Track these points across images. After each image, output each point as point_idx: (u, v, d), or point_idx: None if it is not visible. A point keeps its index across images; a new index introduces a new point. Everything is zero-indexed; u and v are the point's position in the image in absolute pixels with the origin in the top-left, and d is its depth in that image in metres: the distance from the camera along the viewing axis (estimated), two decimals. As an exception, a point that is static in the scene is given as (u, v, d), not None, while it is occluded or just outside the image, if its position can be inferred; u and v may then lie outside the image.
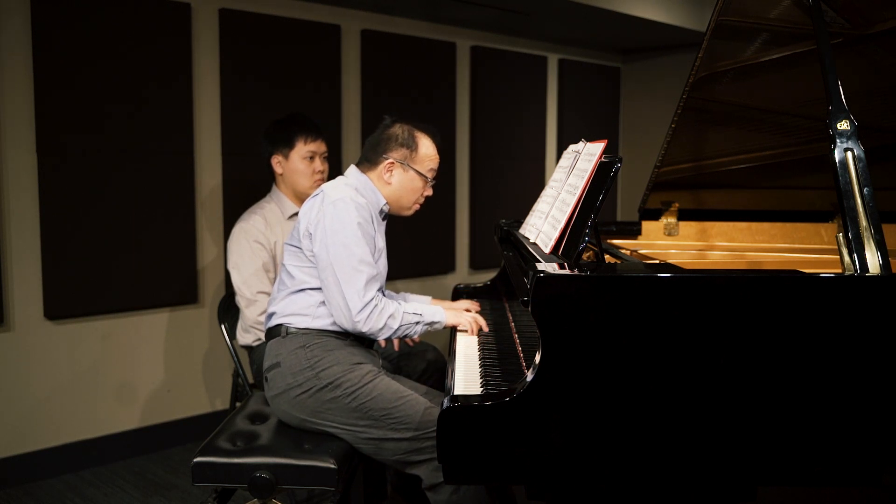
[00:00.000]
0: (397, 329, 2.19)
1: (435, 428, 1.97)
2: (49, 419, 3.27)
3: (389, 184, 2.32)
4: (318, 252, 2.17)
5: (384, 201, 2.34)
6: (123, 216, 3.37)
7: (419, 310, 2.26)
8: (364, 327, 2.14)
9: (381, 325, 2.16)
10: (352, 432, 2.13)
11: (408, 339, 2.56)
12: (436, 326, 2.30)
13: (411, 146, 2.31)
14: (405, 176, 2.32)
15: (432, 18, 4.51)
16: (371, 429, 2.11)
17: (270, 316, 2.31)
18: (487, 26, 4.78)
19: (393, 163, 2.31)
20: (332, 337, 2.21)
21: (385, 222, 2.40)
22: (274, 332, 2.27)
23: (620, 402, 1.59)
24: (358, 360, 2.19)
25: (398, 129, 2.33)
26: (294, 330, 2.23)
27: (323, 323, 2.22)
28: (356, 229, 2.15)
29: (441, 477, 1.97)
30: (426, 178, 2.35)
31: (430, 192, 2.39)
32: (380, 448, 2.12)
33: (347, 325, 2.16)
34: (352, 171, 2.36)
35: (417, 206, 2.41)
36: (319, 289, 2.22)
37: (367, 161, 2.35)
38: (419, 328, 2.24)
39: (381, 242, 2.34)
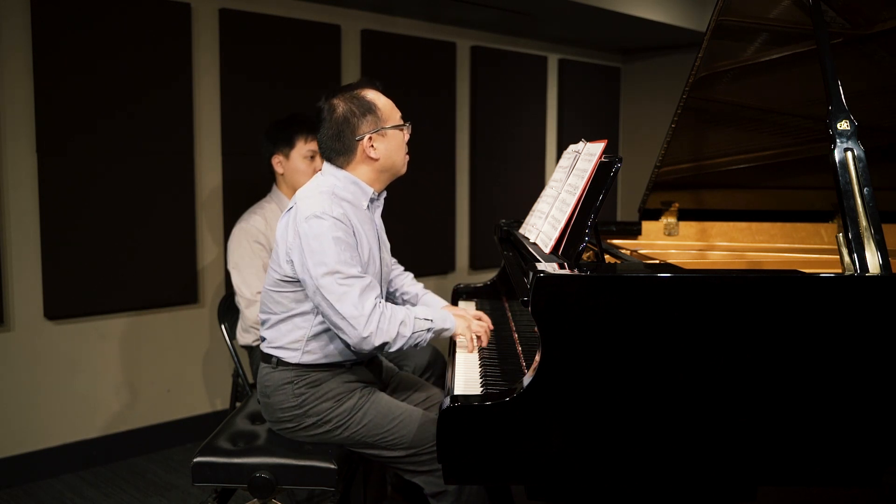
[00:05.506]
0: (410, 336, 2.00)
1: (431, 443, 1.96)
2: (49, 419, 3.27)
3: (377, 159, 2.12)
4: (302, 277, 2.01)
5: (371, 190, 2.15)
6: (124, 216, 3.37)
7: (429, 314, 2.08)
8: (376, 340, 1.95)
9: (393, 334, 1.97)
10: (349, 451, 2.13)
11: None
12: (444, 334, 2.13)
13: (372, 109, 2.10)
14: (386, 140, 2.13)
15: (432, 18, 4.51)
16: (366, 450, 2.10)
17: (263, 337, 2.20)
18: (487, 26, 4.77)
19: (370, 137, 2.10)
20: (321, 371, 2.10)
21: (380, 208, 2.24)
22: (265, 358, 2.17)
23: (620, 402, 1.59)
24: (346, 390, 2.10)
25: (346, 105, 2.11)
26: (284, 363, 2.12)
27: (312, 357, 2.09)
28: (333, 245, 1.97)
29: (441, 485, 1.97)
30: (402, 125, 2.17)
31: (408, 135, 2.20)
32: (378, 460, 2.13)
33: (357, 344, 1.97)
34: (328, 170, 2.16)
35: (407, 158, 2.22)
36: (307, 313, 2.09)
37: (338, 154, 2.13)
38: (429, 336, 2.06)
39: (374, 239, 2.16)
